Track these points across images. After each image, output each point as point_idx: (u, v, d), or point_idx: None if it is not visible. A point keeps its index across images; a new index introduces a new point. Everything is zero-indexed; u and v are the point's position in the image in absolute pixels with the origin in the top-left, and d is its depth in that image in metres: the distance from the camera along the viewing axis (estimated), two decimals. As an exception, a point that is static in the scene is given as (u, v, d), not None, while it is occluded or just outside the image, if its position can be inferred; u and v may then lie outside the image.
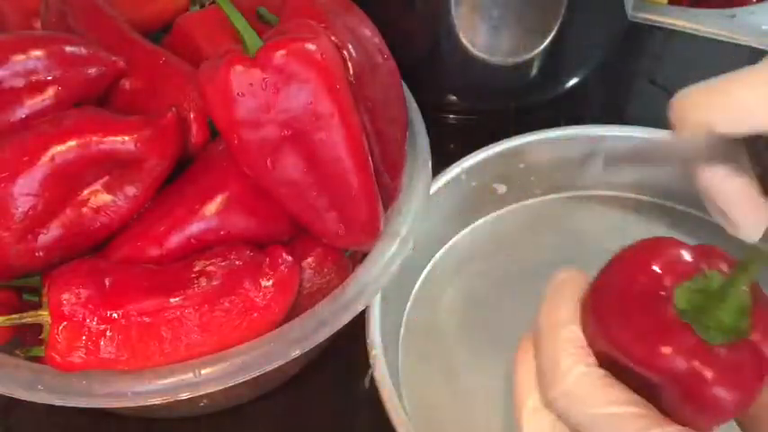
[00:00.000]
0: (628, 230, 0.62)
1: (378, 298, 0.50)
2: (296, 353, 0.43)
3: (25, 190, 0.41)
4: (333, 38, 0.45)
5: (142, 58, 0.49)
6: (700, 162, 0.36)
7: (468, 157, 0.60)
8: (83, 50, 0.47)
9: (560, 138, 0.62)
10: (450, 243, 0.62)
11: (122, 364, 0.41)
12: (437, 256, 0.61)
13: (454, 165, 0.59)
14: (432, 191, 0.55)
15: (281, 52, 0.40)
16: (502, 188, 0.63)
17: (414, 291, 0.59)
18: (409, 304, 0.58)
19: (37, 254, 0.42)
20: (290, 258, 0.45)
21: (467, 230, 0.63)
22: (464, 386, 0.54)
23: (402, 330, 0.57)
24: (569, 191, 0.65)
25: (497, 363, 0.54)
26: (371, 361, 0.48)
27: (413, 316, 0.58)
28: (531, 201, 0.65)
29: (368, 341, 0.49)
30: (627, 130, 0.63)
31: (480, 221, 0.64)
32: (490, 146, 0.61)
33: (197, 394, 0.42)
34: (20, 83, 0.45)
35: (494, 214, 0.64)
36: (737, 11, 0.86)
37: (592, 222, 0.64)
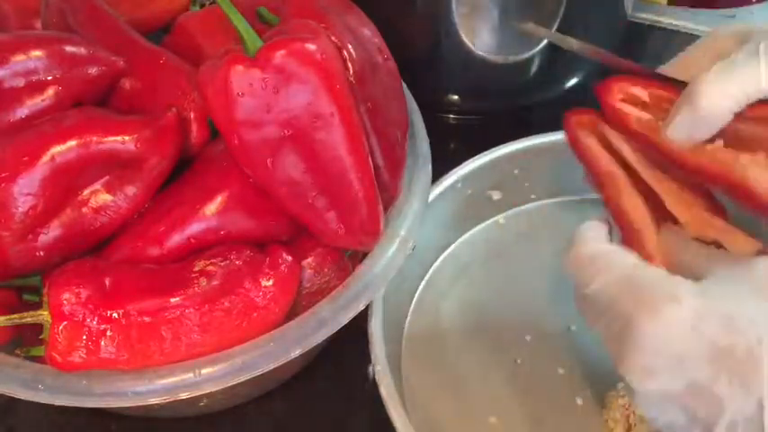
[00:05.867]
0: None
1: (380, 308, 0.50)
2: (296, 353, 0.43)
3: (25, 190, 0.41)
4: (333, 38, 0.45)
5: (142, 57, 0.49)
6: None
7: (463, 164, 0.60)
8: (83, 50, 0.47)
9: (553, 143, 0.62)
10: (449, 251, 0.62)
11: (122, 364, 0.41)
12: (436, 263, 0.62)
13: (450, 173, 0.59)
14: (429, 198, 0.55)
15: (281, 52, 0.40)
16: (497, 195, 0.63)
17: (414, 298, 0.59)
18: (410, 312, 0.58)
19: (37, 254, 0.42)
20: (290, 258, 0.45)
21: (464, 238, 0.63)
22: (466, 391, 0.54)
23: (404, 339, 0.57)
24: (564, 195, 0.65)
25: (498, 366, 0.55)
26: (376, 377, 0.48)
27: (414, 324, 0.58)
28: (526, 206, 0.65)
29: (372, 355, 0.48)
30: None
31: (477, 228, 0.64)
32: (484, 153, 0.61)
33: (197, 394, 0.42)
34: (20, 83, 0.45)
35: (490, 221, 0.64)
36: (737, 11, 0.86)
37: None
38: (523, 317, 0.57)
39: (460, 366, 0.55)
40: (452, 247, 0.63)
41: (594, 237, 0.42)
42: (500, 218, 0.64)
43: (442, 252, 0.62)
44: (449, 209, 0.60)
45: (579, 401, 0.52)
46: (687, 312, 0.35)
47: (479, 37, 0.66)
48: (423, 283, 0.60)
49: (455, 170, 0.59)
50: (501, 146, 0.61)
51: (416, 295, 0.60)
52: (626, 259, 0.40)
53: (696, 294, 0.36)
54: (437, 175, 0.57)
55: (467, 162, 0.60)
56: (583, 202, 0.65)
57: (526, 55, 0.68)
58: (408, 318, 0.58)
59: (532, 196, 0.65)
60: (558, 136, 0.62)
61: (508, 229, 0.64)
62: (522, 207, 0.65)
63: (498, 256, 0.62)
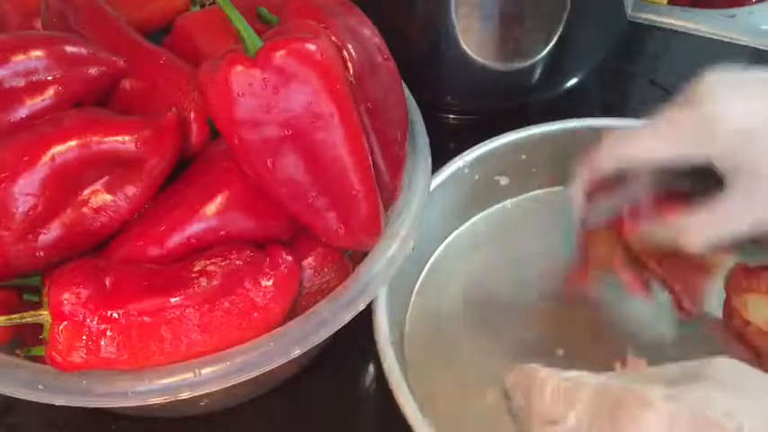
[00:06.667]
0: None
1: (384, 290, 0.50)
2: (296, 353, 0.43)
3: (26, 190, 0.41)
4: (333, 38, 0.45)
5: (142, 58, 0.49)
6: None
7: (470, 149, 0.60)
8: (83, 50, 0.47)
9: (561, 130, 0.62)
10: (454, 234, 0.63)
11: (122, 363, 0.41)
12: (441, 247, 0.62)
13: (457, 157, 0.60)
14: (435, 183, 0.56)
15: (281, 52, 0.40)
16: (504, 180, 0.63)
17: (419, 281, 0.59)
18: (414, 296, 0.59)
19: (37, 254, 0.42)
20: (290, 258, 0.45)
21: (470, 222, 0.63)
22: (466, 368, 0.54)
23: (407, 322, 0.57)
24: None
25: (499, 345, 0.55)
26: (380, 352, 0.48)
27: (418, 306, 0.58)
28: (533, 193, 0.65)
29: (376, 336, 0.49)
30: (627, 122, 0.62)
31: (484, 213, 0.64)
32: (492, 139, 0.61)
33: (197, 394, 0.42)
34: (20, 83, 0.45)
35: (497, 206, 0.64)
36: (737, 11, 0.86)
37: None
38: (527, 298, 0.57)
39: (462, 344, 0.55)
40: (459, 230, 0.63)
41: (549, 371, 0.40)
42: (507, 203, 0.65)
43: (448, 235, 0.62)
44: (455, 193, 0.60)
45: None
46: (662, 416, 0.35)
47: (479, 38, 0.65)
48: (428, 265, 0.60)
49: (463, 154, 0.60)
50: (509, 132, 0.62)
51: (421, 277, 0.60)
52: (590, 380, 0.39)
53: (667, 398, 0.36)
54: (440, 168, 0.58)
55: (475, 147, 0.60)
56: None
57: (526, 56, 0.68)
58: (412, 299, 0.58)
59: (539, 183, 0.65)
60: (566, 124, 0.62)
61: (515, 214, 0.64)
62: (530, 193, 0.65)
63: (505, 241, 0.62)
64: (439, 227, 0.61)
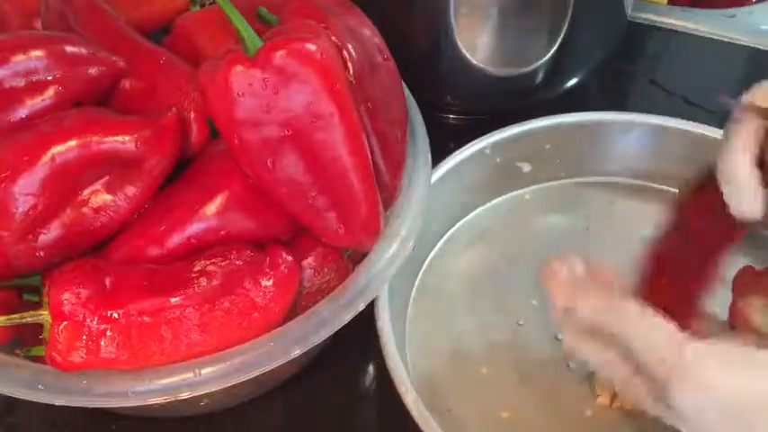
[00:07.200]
0: (645, 221, 0.62)
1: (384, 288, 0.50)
2: (296, 353, 0.43)
3: (26, 190, 0.41)
4: (333, 38, 0.45)
5: (142, 58, 0.49)
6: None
7: (495, 132, 0.60)
8: (83, 50, 0.47)
9: (589, 122, 0.62)
10: (470, 216, 0.63)
11: (122, 363, 0.41)
12: (454, 228, 0.62)
13: (480, 138, 0.60)
14: (453, 162, 0.57)
15: (281, 52, 0.40)
16: (526, 167, 0.63)
17: (428, 258, 0.60)
18: (414, 290, 0.59)
19: (37, 254, 0.42)
20: (290, 258, 0.45)
21: (487, 205, 0.64)
22: (464, 343, 0.55)
23: (412, 298, 0.58)
24: (593, 176, 0.65)
25: (500, 325, 0.56)
26: (378, 330, 0.48)
27: (424, 283, 0.59)
28: (554, 183, 0.65)
29: (375, 310, 0.49)
30: (661, 119, 0.62)
31: (502, 198, 0.64)
32: (518, 124, 0.61)
33: (197, 394, 0.42)
34: (20, 83, 0.45)
35: (516, 192, 0.65)
36: (737, 11, 0.86)
37: (612, 209, 0.64)
38: (533, 284, 0.57)
39: (464, 320, 0.56)
40: (474, 212, 0.63)
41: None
42: (527, 191, 0.65)
43: (463, 216, 0.63)
44: (474, 174, 0.60)
45: (572, 365, 0.53)
46: None
47: (478, 38, 0.66)
48: (439, 243, 0.61)
49: (486, 136, 0.60)
50: (536, 119, 0.61)
51: (431, 255, 0.60)
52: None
53: None
54: (461, 147, 0.58)
55: (499, 130, 0.61)
56: (612, 185, 0.65)
57: (526, 56, 0.68)
58: (419, 277, 0.59)
59: (561, 173, 0.65)
60: (594, 116, 0.62)
61: (533, 202, 0.64)
62: (551, 183, 0.65)
63: (519, 228, 0.62)
64: (454, 206, 0.61)
